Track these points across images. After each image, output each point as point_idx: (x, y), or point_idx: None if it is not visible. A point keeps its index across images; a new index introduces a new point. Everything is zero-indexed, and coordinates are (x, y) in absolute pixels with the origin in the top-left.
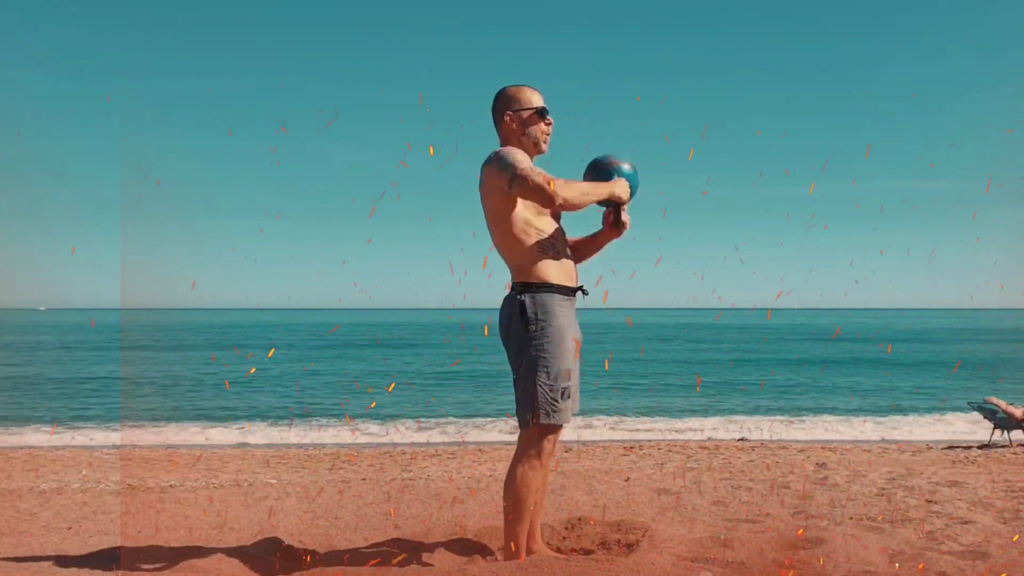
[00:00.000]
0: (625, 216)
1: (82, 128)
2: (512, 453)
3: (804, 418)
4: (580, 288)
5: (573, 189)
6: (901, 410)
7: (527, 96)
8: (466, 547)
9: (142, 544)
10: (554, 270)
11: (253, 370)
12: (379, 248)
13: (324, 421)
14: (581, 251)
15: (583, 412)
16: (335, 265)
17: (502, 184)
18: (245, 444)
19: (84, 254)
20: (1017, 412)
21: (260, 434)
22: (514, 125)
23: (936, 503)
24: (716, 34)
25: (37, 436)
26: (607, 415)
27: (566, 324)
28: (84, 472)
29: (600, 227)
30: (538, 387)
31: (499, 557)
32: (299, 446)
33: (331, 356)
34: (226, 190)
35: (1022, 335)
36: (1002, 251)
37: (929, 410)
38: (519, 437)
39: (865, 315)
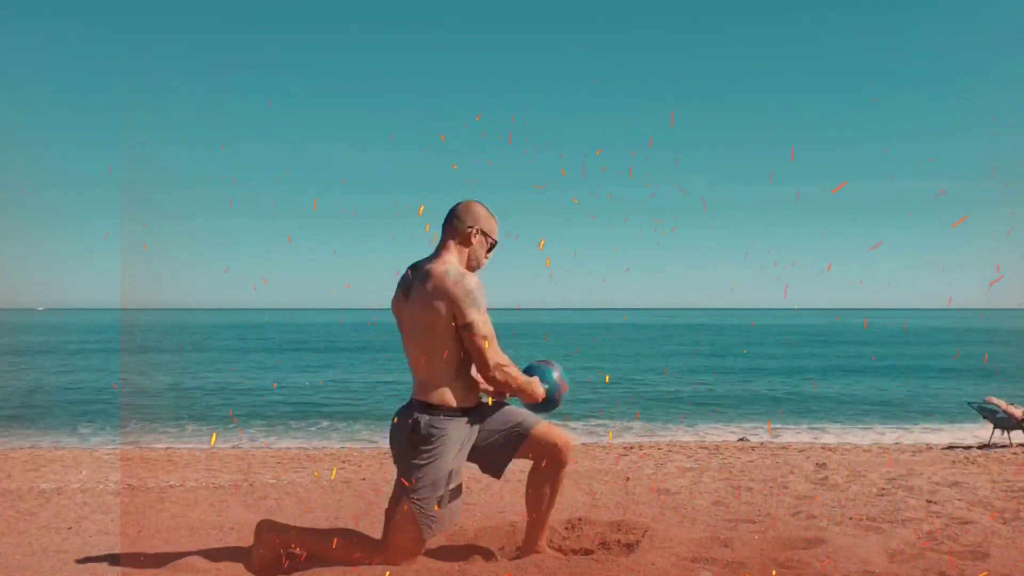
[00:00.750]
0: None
1: (81, 128)
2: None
3: (804, 418)
4: (478, 405)
5: (515, 382)
6: (901, 410)
7: (494, 226)
8: (466, 547)
9: (142, 544)
10: (459, 393)
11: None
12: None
13: (325, 423)
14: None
15: (585, 417)
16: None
17: (466, 321)
18: (245, 444)
19: (83, 254)
20: (1017, 412)
21: (259, 434)
22: (474, 242)
23: (936, 503)
24: (715, 35)
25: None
26: (613, 419)
27: (455, 439)
28: (84, 472)
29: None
30: (415, 505)
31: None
32: (299, 446)
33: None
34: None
35: (1021, 335)
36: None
37: (929, 410)
38: (395, 527)
39: (862, 316)
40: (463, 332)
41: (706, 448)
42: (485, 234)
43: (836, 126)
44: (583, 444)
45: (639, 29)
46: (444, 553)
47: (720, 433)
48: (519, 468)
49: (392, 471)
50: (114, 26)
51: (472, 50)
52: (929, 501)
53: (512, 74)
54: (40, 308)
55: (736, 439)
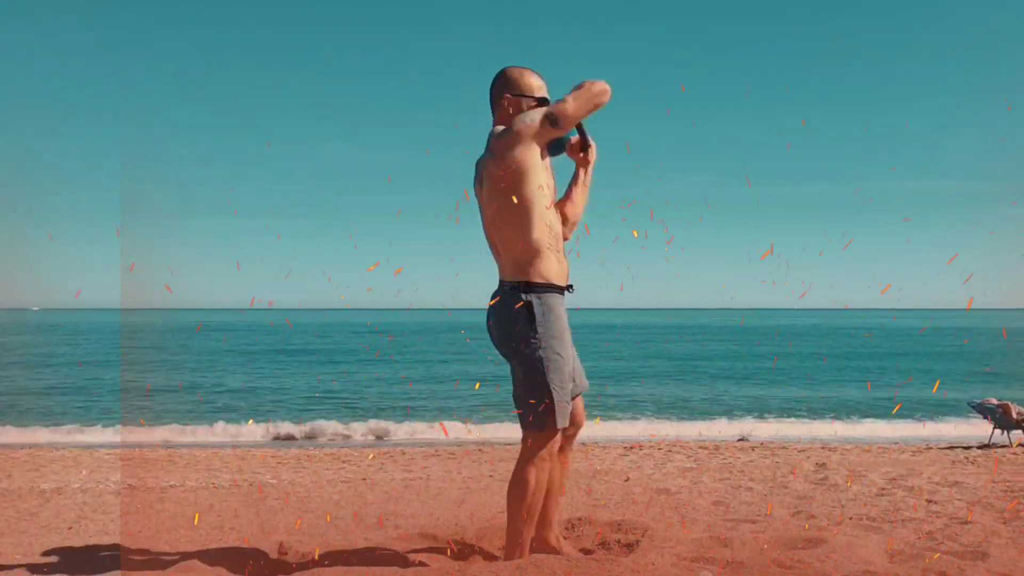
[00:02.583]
0: (589, 137)
1: (81, 127)
2: (513, 453)
3: (804, 418)
4: (570, 287)
5: (582, 99)
6: (902, 410)
7: (528, 82)
8: (466, 547)
9: (142, 544)
10: (555, 269)
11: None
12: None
13: (326, 424)
14: (576, 202)
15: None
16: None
17: (534, 132)
18: (245, 444)
19: (82, 254)
20: (1015, 412)
21: (260, 434)
22: (511, 109)
23: (936, 503)
24: (716, 35)
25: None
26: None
27: (566, 325)
28: (84, 472)
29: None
30: (553, 391)
31: (502, 558)
32: (299, 446)
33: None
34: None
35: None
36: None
37: (930, 410)
38: (525, 440)
39: (857, 316)
40: (560, 122)
41: (706, 448)
42: (522, 95)
43: (837, 126)
44: (582, 444)
45: (639, 28)
46: (444, 553)
47: (720, 433)
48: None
49: (392, 471)
50: (114, 26)
51: (472, 49)
52: (929, 501)
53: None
54: (35, 308)
55: (736, 439)
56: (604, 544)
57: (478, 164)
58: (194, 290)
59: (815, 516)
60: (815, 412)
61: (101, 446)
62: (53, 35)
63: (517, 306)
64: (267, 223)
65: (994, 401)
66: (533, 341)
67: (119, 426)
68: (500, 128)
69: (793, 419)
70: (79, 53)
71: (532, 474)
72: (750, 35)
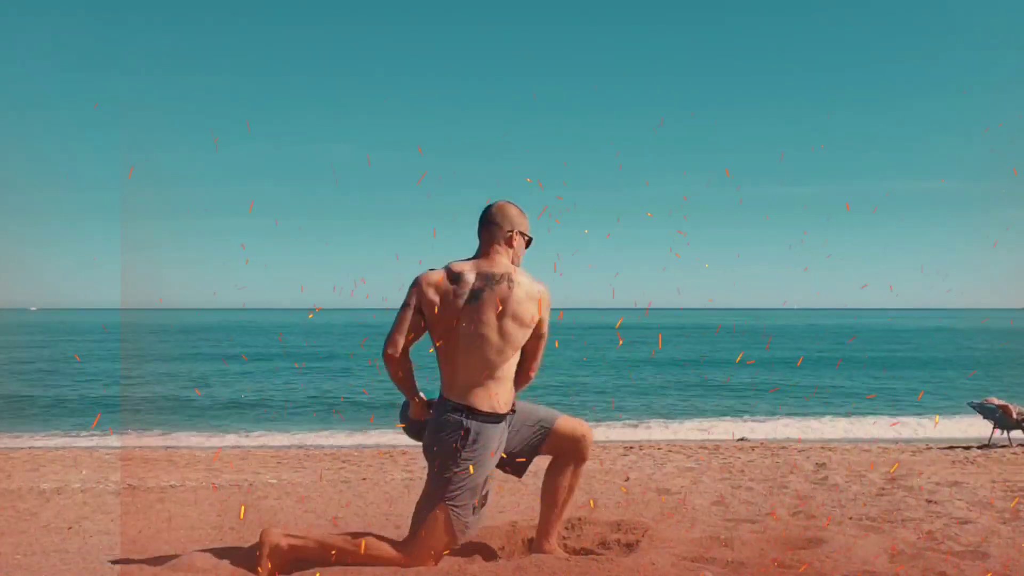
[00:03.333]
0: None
1: (79, 127)
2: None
3: (804, 418)
4: (510, 412)
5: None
6: (901, 409)
7: (527, 225)
8: (466, 547)
9: (142, 544)
10: (507, 397)
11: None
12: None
13: (325, 423)
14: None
15: (593, 418)
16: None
17: (545, 332)
18: (245, 444)
19: (79, 254)
20: (1015, 412)
21: (260, 434)
22: (515, 244)
23: (936, 503)
24: (716, 35)
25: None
26: (621, 420)
27: (495, 445)
28: (84, 472)
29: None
30: (452, 511)
31: (502, 558)
32: (299, 446)
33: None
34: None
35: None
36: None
37: (928, 410)
38: (426, 529)
39: (850, 316)
40: (539, 339)
41: (706, 448)
42: (523, 234)
43: (834, 127)
44: None
45: (639, 29)
46: (444, 553)
47: (720, 433)
48: (530, 469)
49: (392, 471)
50: (113, 26)
51: (470, 50)
52: (929, 501)
53: (510, 74)
54: (33, 308)
55: (736, 439)
56: (604, 544)
57: (484, 285)
58: (193, 290)
59: (815, 516)
60: (816, 412)
61: (101, 446)
62: (52, 35)
63: (449, 424)
64: (276, 219)
65: (994, 401)
66: (450, 459)
67: (119, 427)
68: (550, 298)
69: (792, 419)
70: (79, 53)
71: (567, 467)
72: (750, 35)
